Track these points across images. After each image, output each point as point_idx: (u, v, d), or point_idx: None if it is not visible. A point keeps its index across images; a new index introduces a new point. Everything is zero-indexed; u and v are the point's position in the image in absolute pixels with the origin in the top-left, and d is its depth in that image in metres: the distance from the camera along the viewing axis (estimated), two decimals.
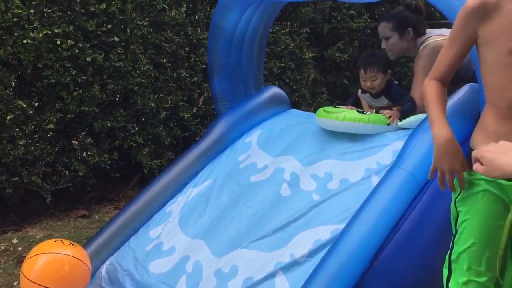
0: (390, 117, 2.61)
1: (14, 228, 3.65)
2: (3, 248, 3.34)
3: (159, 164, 4.20)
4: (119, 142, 4.02)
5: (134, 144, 4.06)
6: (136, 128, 4.07)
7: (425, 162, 2.22)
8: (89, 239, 2.81)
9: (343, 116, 2.59)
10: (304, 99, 5.18)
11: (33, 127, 3.57)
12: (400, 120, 2.64)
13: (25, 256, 2.87)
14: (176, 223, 2.62)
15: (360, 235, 2.01)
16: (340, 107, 2.80)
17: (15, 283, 2.85)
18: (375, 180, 2.36)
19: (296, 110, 3.36)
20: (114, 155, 3.99)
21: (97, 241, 2.69)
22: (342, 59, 5.46)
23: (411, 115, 2.67)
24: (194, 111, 4.45)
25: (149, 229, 2.68)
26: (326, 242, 2.15)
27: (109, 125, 3.90)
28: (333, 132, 2.67)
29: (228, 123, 3.13)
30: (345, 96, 5.99)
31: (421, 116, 2.62)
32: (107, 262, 2.59)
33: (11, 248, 3.34)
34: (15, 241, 3.44)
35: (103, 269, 2.57)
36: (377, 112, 2.71)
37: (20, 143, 3.46)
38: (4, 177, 3.43)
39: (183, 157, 3.02)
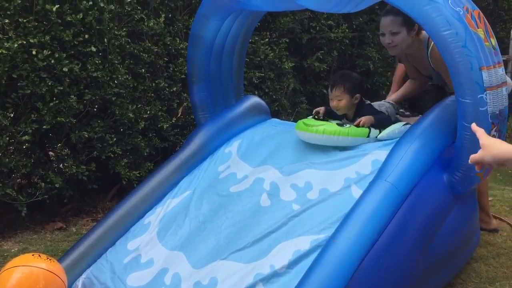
0: (360, 122, 2.64)
1: None
2: None
3: (138, 175, 4.15)
4: (97, 153, 3.96)
5: (112, 155, 4.00)
6: (114, 139, 4.01)
7: (407, 174, 2.25)
8: (65, 252, 2.75)
9: (322, 130, 2.60)
10: (284, 109, 5.19)
11: (8, 138, 3.49)
12: (379, 131, 2.65)
13: None
14: (155, 235, 2.59)
15: (343, 247, 2.01)
16: (318, 117, 2.81)
17: None
18: (355, 190, 2.37)
19: (276, 119, 3.36)
20: (91, 166, 3.93)
21: (73, 254, 2.63)
22: (321, 69, 5.50)
23: (388, 126, 2.68)
24: (174, 121, 4.41)
25: (127, 241, 2.64)
26: (306, 253, 2.14)
27: (87, 135, 3.84)
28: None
29: (208, 133, 3.12)
30: (324, 105, 6.03)
31: (399, 125, 2.65)
32: (84, 275, 2.54)
33: None
34: None
35: (79, 283, 2.51)
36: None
37: None
38: None
39: (162, 167, 2.99)
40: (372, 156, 2.49)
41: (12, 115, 3.61)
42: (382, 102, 3.20)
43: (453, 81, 2.26)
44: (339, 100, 2.74)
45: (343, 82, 2.74)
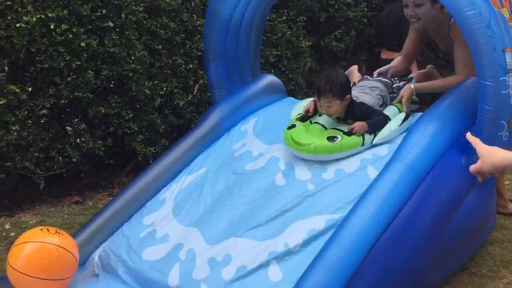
0: (353, 129, 2.49)
1: (7, 214, 3.63)
2: None
3: (154, 151, 4.17)
4: (113, 128, 3.99)
5: (128, 131, 4.03)
6: (131, 115, 4.03)
7: (424, 156, 2.22)
8: (82, 225, 2.79)
9: (314, 149, 2.47)
10: (300, 88, 5.15)
11: (26, 112, 3.53)
12: (374, 135, 2.50)
13: None
14: (170, 211, 2.61)
15: (358, 227, 2.00)
16: (308, 116, 2.66)
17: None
18: (371, 170, 2.36)
19: (292, 98, 3.34)
20: (108, 142, 3.96)
21: (90, 228, 2.67)
22: (339, 48, 5.42)
23: (382, 128, 2.52)
24: (189, 98, 4.41)
25: (142, 216, 2.67)
26: (320, 232, 2.14)
27: (103, 111, 3.86)
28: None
29: (224, 111, 3.11)
30: None
31: (394, 125, 2.51)
32: (100, 249, 2.58)
33: (4, 234, 3.32)
34: (7, 226, 3.42)
35: (96, 256, 2.56)
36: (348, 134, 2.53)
37: (13, 128, 3.42)
38: None
39: (177, 144, 3.00)
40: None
41: (30, 89, 3.65)
42: (376, 82, 2.87)
43: (475, 62, 2.22)
44: (329, 106, 2.55)
45: (330, 89, 2.52)
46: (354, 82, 2.99)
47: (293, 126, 2.63)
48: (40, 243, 2.26)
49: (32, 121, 3.63)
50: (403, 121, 2.54)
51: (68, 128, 4.10)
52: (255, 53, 3.33)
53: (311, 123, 2.65)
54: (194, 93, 4.46)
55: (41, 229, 2.35)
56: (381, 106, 2.72)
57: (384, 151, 2.43)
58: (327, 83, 2.53)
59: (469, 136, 1.57)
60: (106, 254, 2.52)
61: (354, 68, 3.26)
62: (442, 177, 2.23)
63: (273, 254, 2.12)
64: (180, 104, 4.30)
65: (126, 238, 2.55)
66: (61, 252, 2.27)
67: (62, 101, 3.65)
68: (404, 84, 2.85)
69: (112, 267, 2.43)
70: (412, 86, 2.76)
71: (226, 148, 2.92)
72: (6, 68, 3.55)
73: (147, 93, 4.04)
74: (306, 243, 2.12)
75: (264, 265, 2.09)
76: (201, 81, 4.45)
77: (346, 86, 2.58)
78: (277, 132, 2.81)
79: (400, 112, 2.67)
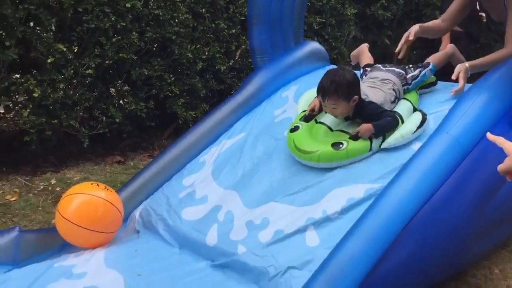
0: (358, 133, 2.32)
1: (53, 170, 3.77)
2: (42, 187, 3.47)
3: (194, 115, 4.22)
4: (156, 91, 4.04)
5: (170, 94, 4.08)
6: (173, 78, 4.07)
7: (470, 128, 2.15)
8: (123, 184, 2.87)
9: (317, 157, 2.32)
10: (343, 57, 5.06)
11: (72, 71, 3.61)
12: (383, 138, 2.32)
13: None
14: (210, 174, 2.65)
15: (398, 198, 1.97)
16: (312, 115, 2.52)
17: (53, 221, 2.96)
18: (415, 143, 2.31)
19: (335, 67, 3.28)
20: (150, 104, 4.02)
21: (132, 186, 2.74)
22: (385, 17, 5.28)
23: (393, 132, 2.33)
24: (231, 64, 4.41)
25: (182, 177, 2.72)
26: (360, 201, 2.13)
27: (146, 73, 3.91)
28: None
29: (265, 77, 3.10)
30: (385, 57, 5.84)
31: (407, 131, 2.31)
32: (141, 206, 2.65)
33: (50, 188, 3.46)
34: (53, 181, 3.56)
35: (137, 213, 2.63)
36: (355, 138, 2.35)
37: (60, 86, 3.51)
38: (44, 119, 3.52)
39: (218, 108, 3.01)
40: (436, 114, 2.41)
41: (76, 49, 3.72)
42: (388, 74, 2.59)
43: None
44: (334, 108, 2.36)
45: (336, 90, 2.31)
46: (364, 67, 2.77)
47: (296, 128, 2.50)
48: (90, 196, 2.35)
49: (78, 81, 3.71)
50: (419, 126, 2.32)
51: (112, 89, 4.18)
52: (299, 19, 3.28)
53: (316, 122, 2.52)
54: (236, 58, 4.45)
55: (91, 183, 2.45)
56: (393, 102, 2.48)
57: (430, 124, 2.37)
58: (332, 83, 2.32)
59: (489, 135, 1.47)
60: (147, 211, 2.59)
61: (365, 47, 3.00)
62: (489, 151, 2.15)
63: (311, 220, 2.12)
64: (222, 69, 4.30)
65: (166, 197, 2.61)
66: (108, 206, 2.36)
67: (106, 62, 3.71)
68: (421, 71, 2.59)
69: (153, 225, 2.50)
70: (467, 65, 2.54)
71: (266, 114, 2.92)
72: (54, 27, 3.63)
73: (189, 57, 4.06)
74: (345, 211, 2.12)
75: (302, 230, 2.10)
76: (243, 46, 4.43)
77: (353, 86, 2.35)
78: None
79: (413, 107, 2.46)
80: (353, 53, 3.08)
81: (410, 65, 2.65)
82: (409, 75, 2.59)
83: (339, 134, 2.41)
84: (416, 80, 2.60)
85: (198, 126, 2.96)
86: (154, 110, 4.12)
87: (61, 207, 2.32)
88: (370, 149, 2.32)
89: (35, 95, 3.38)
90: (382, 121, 2.34)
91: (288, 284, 1.90)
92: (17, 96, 3.60)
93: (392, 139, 2.32)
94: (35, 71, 3.56)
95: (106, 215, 2.35)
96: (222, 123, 2.97)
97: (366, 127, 2.31)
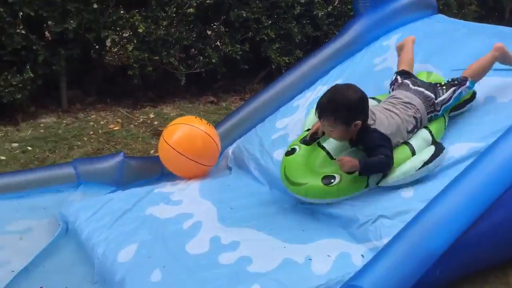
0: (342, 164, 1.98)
1: (151, 105, 3.97)
2: (141, 120, 3.67)
3: (287, 61, 4.20)
4: (252, 34, 4.05)
5: (265, 38, 4.07)
6: (269, 22, 4.04)
7: None
8: (216, 122, 2.96)
9: (305, 191, 2.04)
10: (450, 8, 4.74)
11: (174, 9, 3.70)
12: (383, 175, 2.00)
13: (160, 130, 3.14)
14: (303, 117, 2.65)
15: (501, 158, 1.85)
16: (314, 139, 2.19)
17: (152, 152, 3.15)
18: None
19: (442, 16, 3.09)
20: (245, 47, 4.05)
21: (225, 125, 2.83)
22: None
23: (381, 172, 2.01)
24: (329, 9, 4.29)
25: (275, 119, 2.75)
26: (461, 159, 2.04)
27: (244, 15, 3.91)
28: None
29: (366, 23, 2.99)
30: (495, 13, 5.40)
31: (410, 168, 2.00)
32: (234, 145, 2.74)
33: (148, 121, 3.66)
34: (151, 115, 3.75)
35: (230, 150, 2.72)
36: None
37: (163, 24, 3.62)
38: (146, 55, 3.67)
39: (314, 54, 2.97)
40: None
41: None
42: (414, 96, 2.18)
43: None
44: (330, 130, 2.03)
45: (333, 112, 1.97)
46: (398, 73, 2.33)
47: (293, 151, 2.19)
48: (192, 127, 2.46)
49: (179, 19, 3.80)
50: (426, 162, 2.00)
51: (209, 32, 4.25)
52: None
53: (319, 145, 2.20)
54: (335, 4, 4.32)
55: (195, 117, 2.58)
56: (410, 132, 2.13)
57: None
58: (330, 102, 1.98)
59: None
60: (239, 150, 2.67)
61: (410, 41, 2.50)
62: None
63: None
64: (319, 14, 4.21)
65: (259, 138, 2.66)
66: (207, 139, 2.47)
67: (207, 1, 3.75)
68: (455, 91, 2.17)
69: (245, 163, 2.58)
70: None
71: (365, 62, 2.84)
72: None
73: (288, 0, 4.00)
74: (445, 168, 2.04)
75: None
76: None
77: (356, 109, 1.99)
78: (422, 50, 2.64)
79: (432, 140, 2.14)
80: (398, 45, 2.61)
81: (443, 84, 2.24)
82: (438, 99, 2.18)
83: (336, 165, 2.05)
84: (447, 105, 2.19)
85: (293, 70, 2.95)
86: (248, 53, 4.15)
87: (166, 135, 2.45)
88: (367, 186, 2.03)
89: (140, 30, 3.52)
90: (374, 159, 1.99)
91: (378, 232, 1.89)
92: (123, 31, 3.77)
93: (392, 177, 2.01)
94: (142, 8, 3.68)
95: (205, 147, 2.46)
96: (318, 69, 2.93)
97: (348, 161, 1.97)
